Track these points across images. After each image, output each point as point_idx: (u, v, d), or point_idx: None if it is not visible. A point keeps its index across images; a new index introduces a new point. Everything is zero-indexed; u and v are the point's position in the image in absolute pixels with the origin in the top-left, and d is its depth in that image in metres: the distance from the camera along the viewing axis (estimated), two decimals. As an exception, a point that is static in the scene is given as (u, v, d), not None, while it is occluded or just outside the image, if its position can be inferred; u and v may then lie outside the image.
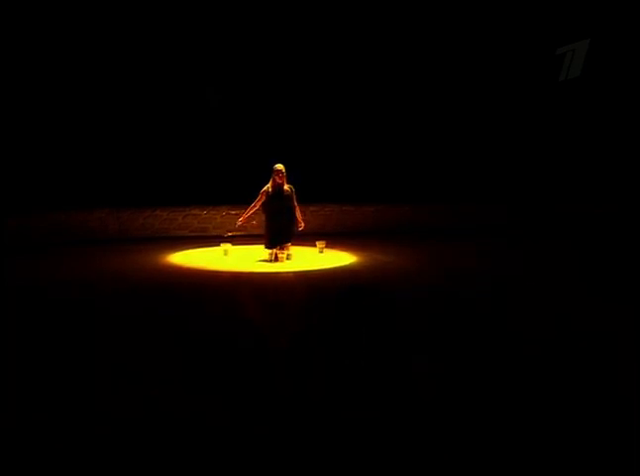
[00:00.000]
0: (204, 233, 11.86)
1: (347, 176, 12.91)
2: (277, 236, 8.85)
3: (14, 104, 11.35)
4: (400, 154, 13.66)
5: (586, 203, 12.95)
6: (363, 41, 13.42)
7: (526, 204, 13.36)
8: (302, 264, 8.70)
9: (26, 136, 11.55)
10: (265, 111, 13.31)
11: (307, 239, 9.81)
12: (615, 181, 12.76)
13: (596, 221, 12.12)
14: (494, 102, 13.85)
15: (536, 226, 12.82)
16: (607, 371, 4.42)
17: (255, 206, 8.96)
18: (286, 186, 8.88)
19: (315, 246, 9.69)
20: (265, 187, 8.89)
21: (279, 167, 8.81)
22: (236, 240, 9.87)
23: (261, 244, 9.18)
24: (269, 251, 8.89)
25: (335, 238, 10.75)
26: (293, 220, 8.99)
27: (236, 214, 11.38)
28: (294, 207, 8.96)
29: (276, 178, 8.78)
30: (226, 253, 9.36)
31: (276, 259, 8.78)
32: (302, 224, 9.11)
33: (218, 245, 9.67)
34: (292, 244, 9.05)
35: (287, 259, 8.83)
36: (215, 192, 12.06)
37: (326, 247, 9.69)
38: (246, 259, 9.14)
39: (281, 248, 8.84)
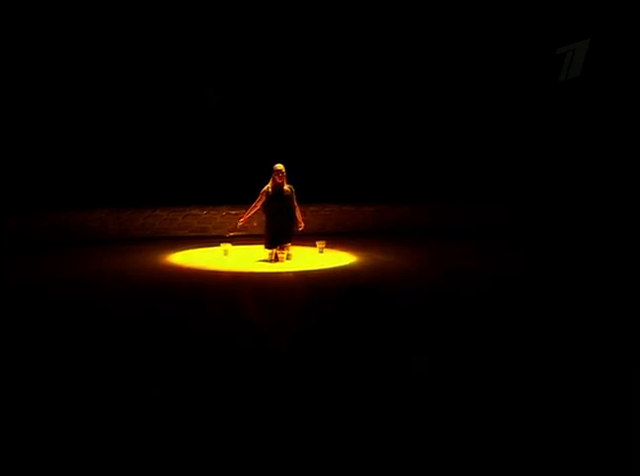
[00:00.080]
0: (204, 233, 11.86)
1: (347, 176, 12.91)
2: (277, 236, 8.85)
3: (14, 104, 11.35)
4: (400, 154, 13.66)
5: (586, 203, 12.95)
6: (363, 41, 13.42)
7: (526, 204, 13.36)
8: (302, 264, 8.70)
9: (26, 136, 11.55)
10: (264, 111, 13.31)
11: (307, 239, 9.81)
12: (615, 181, 12.76)
13: (596, 221, 12.12)
14: (494, 102, 13.85)
15: (536, 226, 12.82)
16: (607, 371, 4.42)
17: (255, 207, 8.95)
18: (286, 186, 8.88)
19: (315, 246, 9.68)
20: (265, 187, 8.89)
21: (279, 167, 8.81)
22: (236, 240, 9.87)
23: (261, 244, 9.18)
24: (269, 251, 8.89)
25: (335, 238, 10.74)
26: (293, 220, 8.99)
27: (236, 214, 11.39)
28: (294, 207, 8.96)
29: (276, 177, 8.78)
30: (226, 253, 9.36)
31: (276, 259, 8.78)
32: (302, 224, 9.11)
33: (218, 245, 9.67)
34: (292, 244, 9.05)
35: (287, 259, 8.83)
36: (215, 192, 12.06)
37: (326, 247, 9.69)
38: (246, 259, 9.14)
39: (281, 248, 8.83)
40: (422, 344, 5.03)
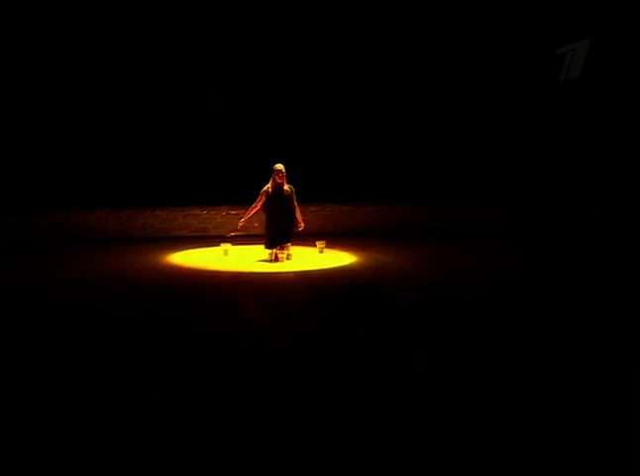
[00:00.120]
0: (204, 233, 11.87)
1: (347, 176, 12.91)
2: (277, 236, 8.85)
3: (14, 104, 11.35)
4: (400, 154, 13.66)
5: (586, 203, 12.95)
6: (363, 41, 13.42)
7: (526, 204, 13.36)
8: (302, 264, 8.70)
9: (26, 136, 11.55)
10: (264, 111, 13.31)
11: (307, 239, 9.81)
12: (615, 181, 12.76)
13: (596, 221, 12.12)
14: (494, 102, 13.85)
15: (536, 226, 12.82)
16: (607, 371, 4.42)
17: (255, 207, 8.95)
18: (286, 186, 8.88)
19: (315, 246, 9.69)
20: (265, 188, 8.89)
21: (279, 167, 8.81)
22: (236, 240, 9.87)
23: (261, 244, 9.18)
24: (269, 251, 8.89)
25: (335, 238, 10.74)
26: (293, 220, 8.99)
27: (236, 214, 11.39)
28: (294, 207, 8.96)
29: (276, 177, 8.78)
30: (226, 253, 9.36)
31: (276, 259, 8.78)
32: (302, 224, 9.11)
33: (218, 245, 9.67)
34: (292, 244, 9.05)
35: (287, 259, 8.83)
36: (215, 192, 12.06)
37: (326, 247, 9.69)
38: (246, 259, 9.14)
39: (281, 248, 8.84)
40: (422, 344, 5.03)
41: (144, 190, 11.85)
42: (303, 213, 9.44)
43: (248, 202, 9.14)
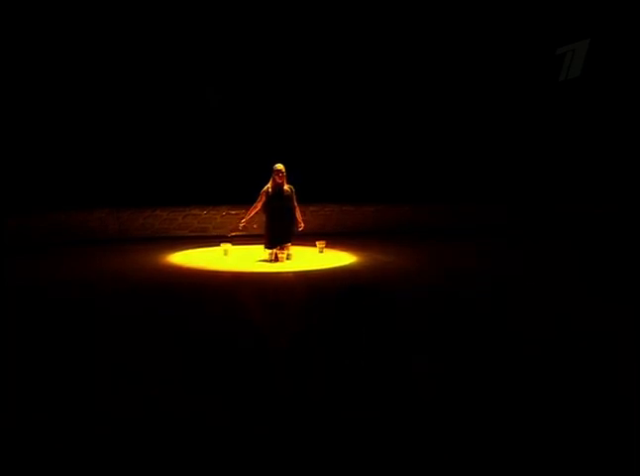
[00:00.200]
0: (204, 233, 11.87)
1: (347, 176, 12.91)
2: (277, 236, 8.85)
3: (14, 104, 11.35)
4: (400, 154, 13.66)
5: (586, 203, 12.95)
6: (362, 41, 13.42)
7: (526, 204, 13.36)
8: (302, 264, 8.70)
9: (26, 136, 11.54)
10: (264, 111, 13.31)
11: (307, 239, 9.81)
12: (615, 181, 12.76)
13: (596, 221, 12.12)
14: (494, 102, 13.85)
15: (536, 226, 12.82)
16: (607, 371, 4.42)
17: (256, 207, 8.95)
18: (286, 187, 8.88)
19: (315, 246, 9.69)
20: (265, 188, 8.89)
21: (279, 167, 8.81)
22: (236, 240, 9.87)
23: (261, 244, 9.18)
24: (269, 251, 8.88)
25: (335, 238, 10.75)
26: (293, 220, 8.99)
27: (236, 214, 11.40)
28: (294, 207, 8.96)
29: (276, 177, 8.78)
30: (226, 253, 9.37)
31: (276, 259, 8.78)
32: (302, 224, 9.11)
33: (218, 245, 9.67)
34: (292, 244, 9.05)
35: (287, 259, 8.83)
36: (215, 192, 12.06)
37: (326, 247, 9.69)
38: (246, 259, 9.14)
39: (281, 248, 8.84)
40: (422, 344, 5.03)
41: (144, 190, 11.85)
42: (303, 213, 9.44)
43: (248, 202, 9.14)
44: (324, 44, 13.31)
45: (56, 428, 3.40)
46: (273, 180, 8.81)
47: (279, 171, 8.78)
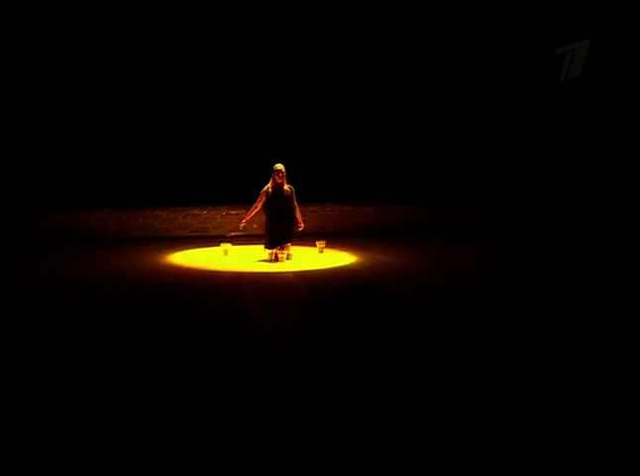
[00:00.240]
0: (204, 233, 11.87)
1: (347, 176, 12.91)
2: (277, 236, 8.85)
3: (14, 104, 11.35)
4: (400, 154, 13.66)
5: (586, 203, 12.95)
6: (362, 41, 13.42)
7: (526, 204, 13.36)
8: (302, 264, 8.70)
9: (26, 136, 11.55)
10: (264, 111, 13.31)
11: (307, 239, 9.81)
12: (615, 181, 12.76)
13: (596, 221, 12.12)
14: (494, 102, 13.85)
15: (536, 226, 12.82)
16: (607, 371, 4.42)
17: (256, 208, 8.95)
18: (286, 186, 8.88)
19: (315, 246, 9.69)
20: (265, 188, 8.89)
21: (279, 167, 8.81)
22: (236, 240, 9.87)
23: (261, 244, 9.18)
24: (269, 251, 8.89)
25: (335, 238, 10.75)
26: (293, 220, 8.99)
27: (236, 214, 11.41)
28: (294, 207, 8.96)
29: (276, 177, 8.78)
30: (226, 253, 9.37)
31: (276, 259, 8.78)
32: (302, 224, 9.11)
33: (218, 245, 9.67)
34: (292, 244, 9.05)
35: (287, 259, 8.83)
36: (215, 192, 12.06)
37: (326, 247, 9.69)
38: (246, 259, 9.14)
39: (281, 248, 8.84)
40: (422, 344, 5.03)
41: (144, 190, 11.85)
42: (303, 213, 9.44)
43: (248, 202, 9.13)
44: (324, 44, 13.31)
45: (56, 428, 3.40)
46: (273, 180, 8.81)
47: (279, 171, 8.78)
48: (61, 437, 3.30)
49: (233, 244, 9.61)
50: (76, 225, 11.11)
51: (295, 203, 8.96)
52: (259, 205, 8.92)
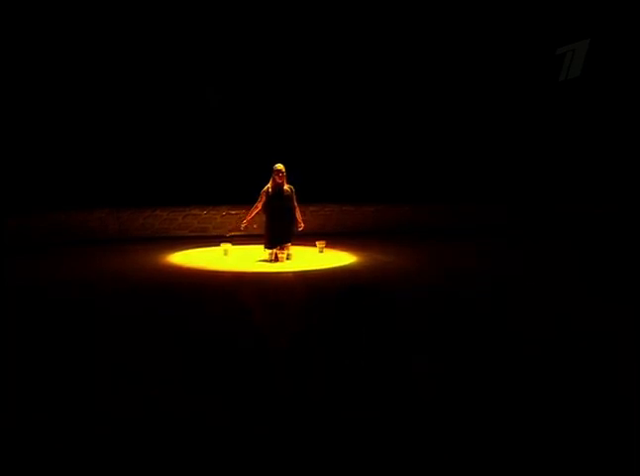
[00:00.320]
0: (204, 233, 11.86)
1: (347, 176, 12.91)
2: (277, 236, 8.85)
3: (14, 104, 11.35)
4: (400, 154, 13.66)
5: (586, 203, 12.95)
6: (362, 41, 13.42)
7: (526, 204, 13.36)
8: (302, 264, 8.69)
9: (26, 136, 11.55)
10: (264, 111, 13.31)
11: (307, 239, 9.81)
12: (615, 181, 12.76)
13: (596, 221, 12.12)
14: (494, 102, 13.85)
15: (536, 226, 12.82)
16: (607, 371, 4.42)
17: (256, 208, 8.95)
18: (286, 186, 8.88)
19: (315, 246, 9.69)
20: (265, 188, 8.89)
21: (279, 167, 8.81)
22: (236, 240, 9.87)
23: (261, 244, 9.18)
24: (269, 251, 8.88)
25: (335, 238, 10.75)
26: (293, 220, 8.99)
27: (236, 214, 11.41)
28: (294, 207, 8.96)
29: (276, 177, 8.78)
30: (226, 253, 9.37)
31: (276, 259, 8.77)
32: (302, 224, 9.11)
33: (218, 245, 9.67)
34: (292, 244, 9.05)
35: (287, 259, 8.83)
36: (215, 192, 12.06)
37: (326, 247, 9.69)
38: (246, 259, 9.14)
39: (281, 248, 8.84)
40: (422, 344, 5.03)
41: (144, 190, 11.85)
42: (303, 213, 9.44)
43: (248, 202, 9.13)
44: (324, 44, 13.31)
45: (56, 428, 3.40)
46: (273, 180, 8.81)
47: (279, 171, 8.78)
48: (61, 437, 3.30)
49: (233, 244, 9.61)
50: (76, 225, 11.11)
51: (295, 203, 8.96)
52: (259, 205, 8.92)
